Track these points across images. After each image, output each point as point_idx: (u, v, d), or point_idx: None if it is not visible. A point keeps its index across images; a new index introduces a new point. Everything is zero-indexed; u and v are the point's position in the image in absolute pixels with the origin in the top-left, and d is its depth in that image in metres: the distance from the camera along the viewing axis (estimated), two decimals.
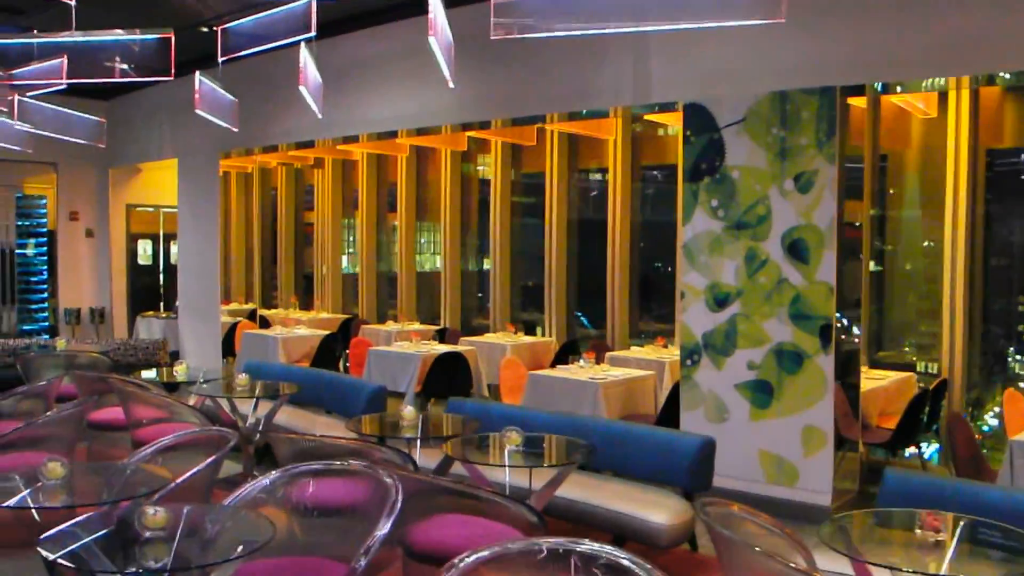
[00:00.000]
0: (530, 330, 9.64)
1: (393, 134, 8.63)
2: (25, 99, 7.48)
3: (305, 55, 5.59)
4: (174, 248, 12.77)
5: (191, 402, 6.43)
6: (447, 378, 7.69)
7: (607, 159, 9.12)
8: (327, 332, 9.23)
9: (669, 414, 6.26)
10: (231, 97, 6.68)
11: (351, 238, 11.95)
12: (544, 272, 9.47)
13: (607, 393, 6.55)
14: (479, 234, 10.66)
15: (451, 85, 4.73)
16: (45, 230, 12.01)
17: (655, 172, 9.40)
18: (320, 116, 6.06)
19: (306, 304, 11.94)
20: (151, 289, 12.67)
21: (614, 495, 4.66)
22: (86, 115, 7.87)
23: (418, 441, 4.93)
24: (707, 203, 5.85)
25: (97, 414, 6.28)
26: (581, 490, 4.69)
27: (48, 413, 5.04)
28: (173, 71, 6.07)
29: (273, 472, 3.70)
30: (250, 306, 12.52)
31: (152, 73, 7.10)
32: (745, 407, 5.73)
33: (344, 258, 12.11)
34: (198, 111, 6.20)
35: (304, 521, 3.72)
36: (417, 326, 10.14)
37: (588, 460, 4.55)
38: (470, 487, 3.98)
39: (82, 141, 7.93)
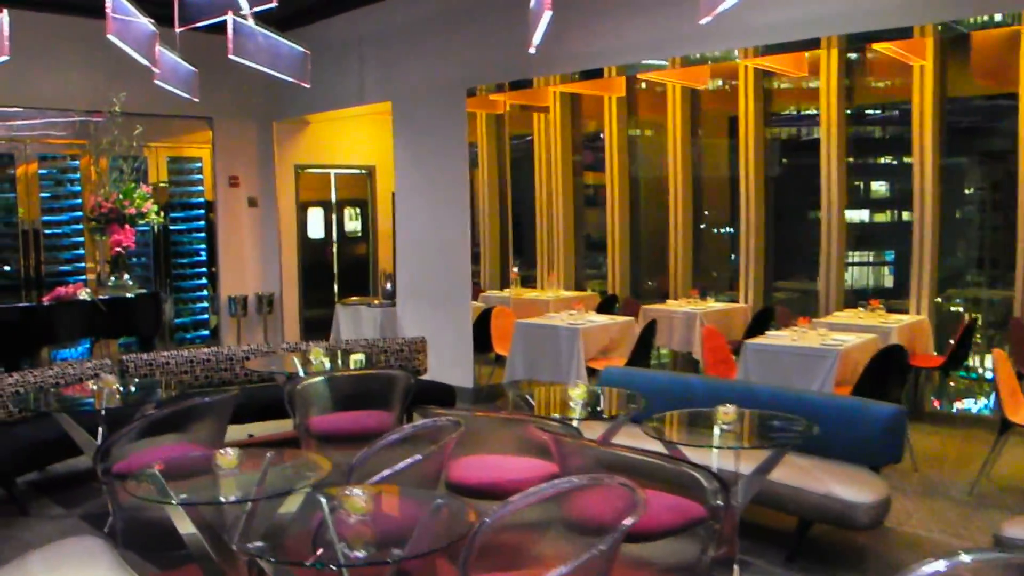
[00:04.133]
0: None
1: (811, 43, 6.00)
2: (240, 20, 5.31)
3: None
4: (347, 217, 10.55)
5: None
6: (881, 381, 5.52)
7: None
8: (645, 323, 6.98)
9: None
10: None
11: (594, 194, 9.65)
12: (914, 228, 7.17)
13: None
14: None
15: None
16: (201, 200, 9.75)
17: None
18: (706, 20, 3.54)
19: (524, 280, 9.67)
20: (323, 268, 10.41)
21: None
22: (294, 44, 5.70)
23: None
24: None
25: (460, 471, 4.17)
26: None
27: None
28: None
29: None
30: None
31: None
32: None
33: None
34: (537, 26, 3.94)
35: None
36: (718, 303, 7.95)
37: None
38: None
39: (289, 79, 5.78)
